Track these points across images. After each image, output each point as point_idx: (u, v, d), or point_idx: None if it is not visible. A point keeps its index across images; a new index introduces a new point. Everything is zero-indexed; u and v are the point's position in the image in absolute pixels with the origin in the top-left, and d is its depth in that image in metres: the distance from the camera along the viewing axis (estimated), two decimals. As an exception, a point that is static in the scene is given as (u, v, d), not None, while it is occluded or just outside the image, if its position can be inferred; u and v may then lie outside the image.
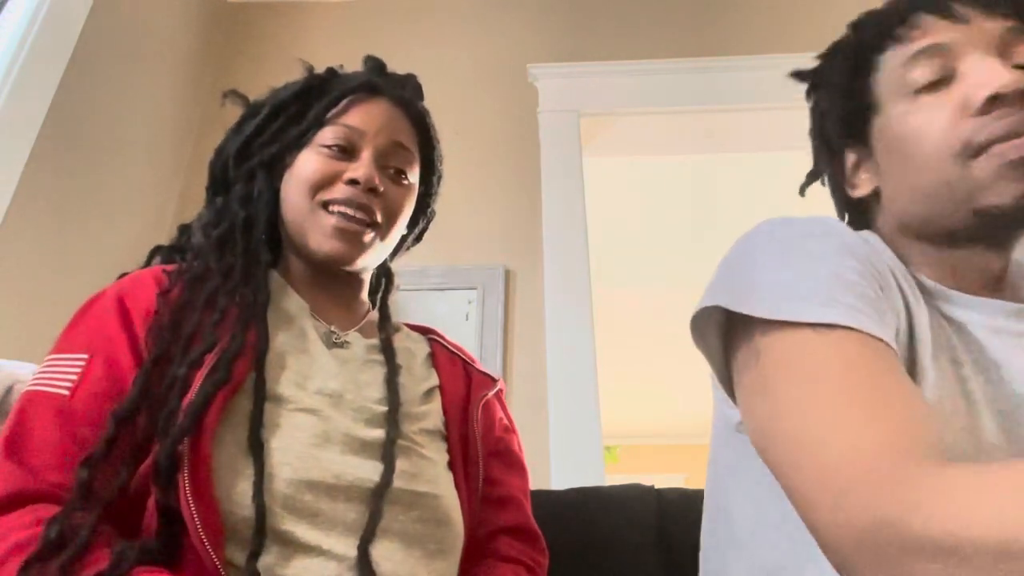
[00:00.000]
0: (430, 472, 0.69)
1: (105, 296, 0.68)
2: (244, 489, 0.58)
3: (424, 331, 0.89)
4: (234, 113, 0.86)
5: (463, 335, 1.66)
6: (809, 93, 0.75)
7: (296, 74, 0.85)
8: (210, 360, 0.62)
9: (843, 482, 0.42)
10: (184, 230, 0.82)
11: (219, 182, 0.83)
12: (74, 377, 0.61)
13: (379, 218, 0.78)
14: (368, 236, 0.77)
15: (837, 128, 0.70)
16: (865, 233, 0.65)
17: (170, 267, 0.73)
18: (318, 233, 0.76)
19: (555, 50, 2.07)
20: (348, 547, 0.60)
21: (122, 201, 1.67)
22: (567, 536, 0.86)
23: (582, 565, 0.86)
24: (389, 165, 0.80)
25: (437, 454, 0.73)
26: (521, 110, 1.98)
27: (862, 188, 0.69)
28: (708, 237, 3.16)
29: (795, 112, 2.13)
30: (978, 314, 0.59)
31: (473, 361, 0.85)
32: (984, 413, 0.54)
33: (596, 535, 0.90)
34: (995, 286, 0.61)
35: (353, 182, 0.76)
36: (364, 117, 0.79)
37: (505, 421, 0.84)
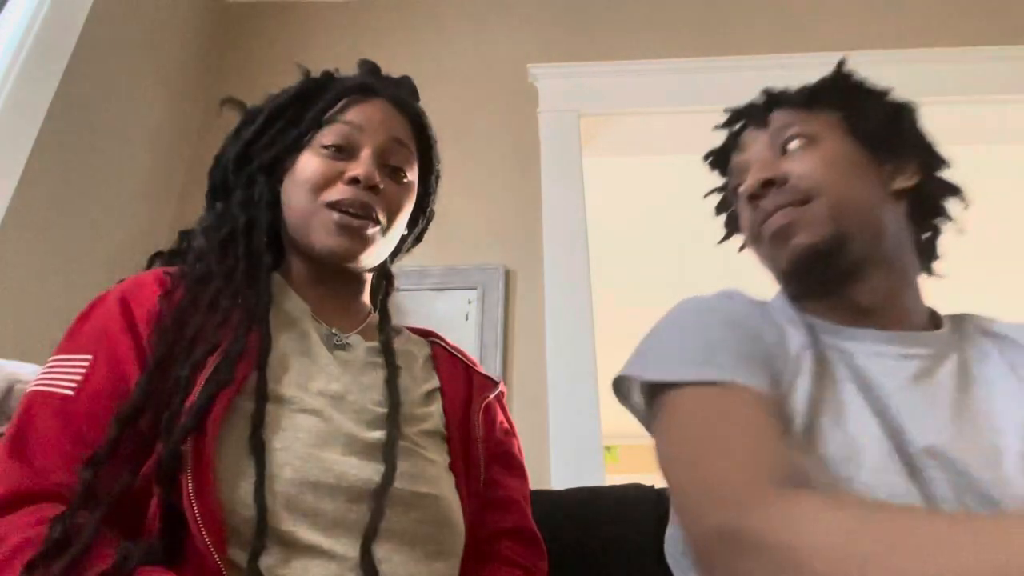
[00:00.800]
0: (431, 473, 0.69)
1: (108, 297, 0.69)
2: (246, 489, 0.58)
3: (425, 334, 0.89)
4: (233, 115, 0.86)
5: (463, 335, 1.66)
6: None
7: (294, 74, 0.86)
8: (212, 361, 0.62)
9: (709, 501, 0.56)
10: (185, 236, 0.82)
11: (219, 189, 0.83)
12: (78, 377, 0.62)
13: (380, 216, 0.78)
14: (371, 230, 0.77)
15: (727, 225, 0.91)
16: (775, 295, 0.80)
17: (172, 269, 0.73)
18: (321, 230, 0.76)
19: (555, 50, 2.07)
20: (349, 547, 0.60)
21: (122, 201, 1.67)
22: (567, 536, 0.86)
23: (582, 566, 0.86)
24: (388, 163, 0.80)
25: (438, 455, 0.73)
26: (521, 110, 1.98)
27: None
28: (708, 237, 3.15)
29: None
30: (859, 343, 0.70)
31: (474, 364, 0.86)
32: (861, 416, 0.65)
33: (596, 535, 0.90)
34: (870, 318, 0.72)
35: (354, 181, 0.76)
36: (362, 116, 0.80)
37: (506, 424, 0.85)
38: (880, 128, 0.75)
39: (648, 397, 0.71)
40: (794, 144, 0.75)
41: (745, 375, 0.63)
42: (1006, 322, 0.77)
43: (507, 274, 1.76)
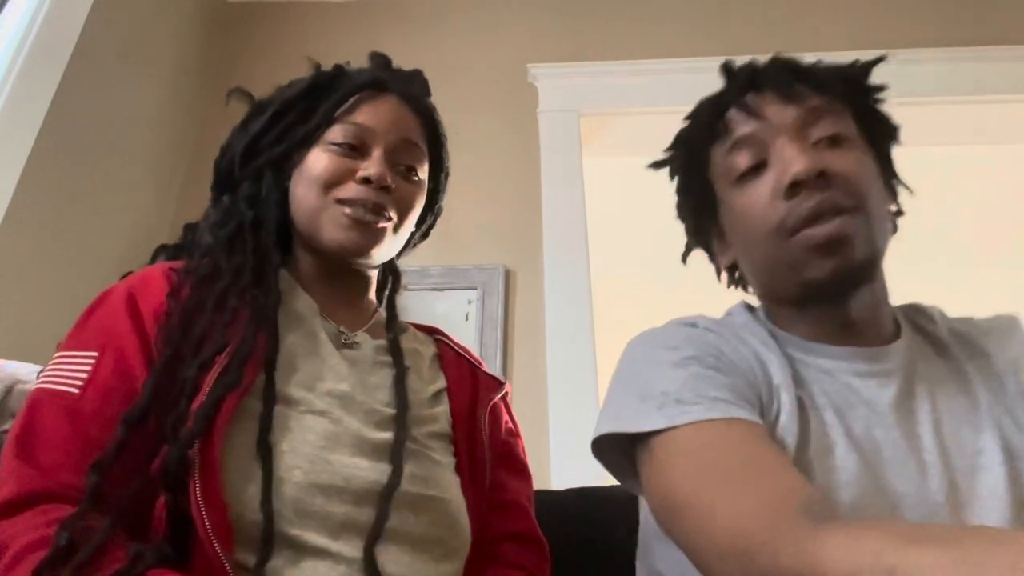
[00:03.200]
0: (439, 476, 0.69)
1: (115, 293, 0.68)
2: (254, 493, 0.58)
3: (430, 331, 0.88)
4: (237, 111, 0.85)
5: (463, 335, 1.65)
6: (672, 176, 0.82)
7: (296, 72, 0.85)
8: (220, 362, 0.62)
9: (728, 544, 0.50)
10: (190, 229, 0.81)
11: (225, 181, 0.82)
12: (84, 375, 0.61)
13: (392, 215, 0.77)
14: (382, 225, 0.77)
15: (692, 217, 0.80)
16: (736, 308, 0.75)
17: (178, 265, 0.72)
18: (332, 225, 0.75)
19: (555, 50, 2.07)
20: (357, 550, 0.60)
21: (122, 201, 1.67)
22: (567, 536, 0.86)
23: (582, 566, 0.86)
24: (400, 162, 0.79)
25: (445, 457, 0.72)
26: (521, 110, 1.98)
27: (724, 261, 0.78)
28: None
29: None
30: (840, 361, 0.67)
31: (480, 363, 0.85)
32: (843, 447, 0.61)
33: (596, 535, 0.90)
34: (852, 333, 0.68)
35: (366, 180, 0.75)
36: (373, 115, 0.79)
37: (510, 425, 0.84)
38: (888, 147, 0.69)
39: (626, 450, 0.65)
40: (827, 138, 0.66)
41: (737, 409, 0.59)
42: (965, 318, 0.73)
43: (507, 274, 1.76)
